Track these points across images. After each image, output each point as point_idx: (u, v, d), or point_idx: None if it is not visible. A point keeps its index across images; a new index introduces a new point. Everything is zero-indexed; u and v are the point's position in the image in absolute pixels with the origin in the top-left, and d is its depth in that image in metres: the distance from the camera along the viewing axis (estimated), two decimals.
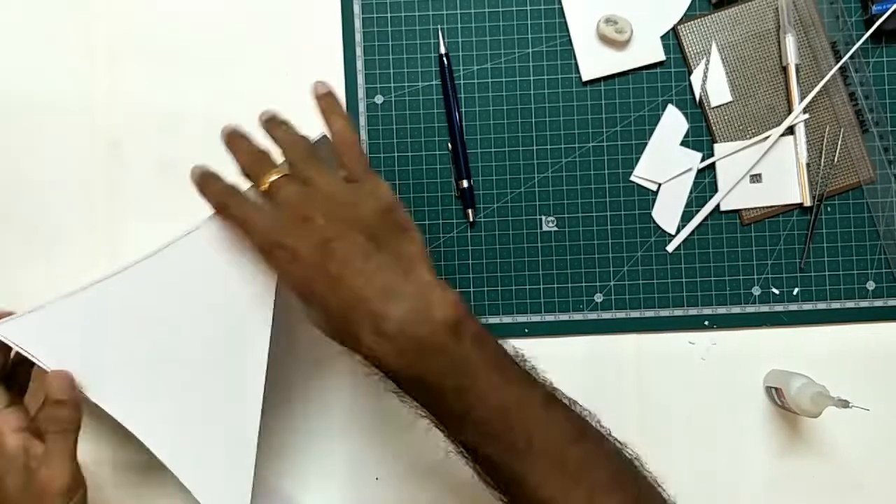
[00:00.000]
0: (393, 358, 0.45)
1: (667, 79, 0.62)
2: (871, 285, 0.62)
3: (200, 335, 0.53)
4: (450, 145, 0.62)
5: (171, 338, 0.53)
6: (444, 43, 0.62)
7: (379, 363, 0.46)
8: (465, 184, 0.62)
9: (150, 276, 0.53)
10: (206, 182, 0.51)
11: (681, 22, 0.62)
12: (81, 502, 0.52)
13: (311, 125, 0.63)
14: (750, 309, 0.62)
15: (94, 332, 0.54)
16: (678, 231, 0.62)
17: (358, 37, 0.63)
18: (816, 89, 0.61)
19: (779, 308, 0.62)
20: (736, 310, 0.62)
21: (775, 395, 0.60)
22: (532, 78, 0.63)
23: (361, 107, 0.63)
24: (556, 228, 0.63)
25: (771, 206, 0.62)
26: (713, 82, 0.62)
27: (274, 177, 0.49)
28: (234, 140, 0.52)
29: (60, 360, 0.53)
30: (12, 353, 0.55)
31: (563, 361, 0.60)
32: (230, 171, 0.63)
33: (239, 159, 0.51)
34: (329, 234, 0.47)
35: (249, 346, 0.52)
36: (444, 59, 0.62)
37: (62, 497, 0.51)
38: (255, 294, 0.52)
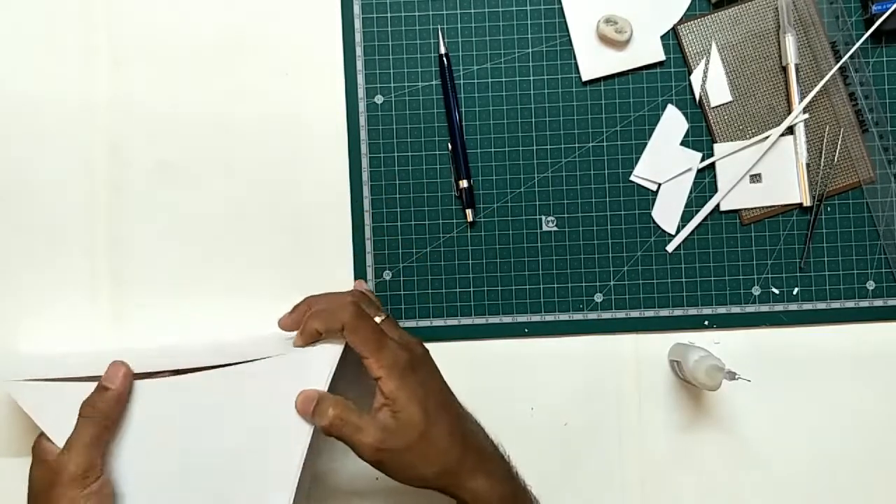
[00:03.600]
0: None
1: (667, 79, 0.62)
2: (871, 285, 0.62)
3: (231, 453, 0.53)
4: (450, 145, 0.62)
5: (202, 447, 0.54)
6: (444, 43, 0.62)
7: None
8: (464, 184, 0.62)
9: (212, 386, 0.54)
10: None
11: (681, 22, 0.62)
12: (100, 495, 0.51)
13: (311, 124, 0.63)
14: (750, 309, 0.62)
15: (134, 423, 0.54)
16: (678, 231, 0.62)
17: (358, 37, 0.63)
18: (816, 89, 0.61)
19: (779, 308, 0.62)
20: (736, 310, 0.62)
21: (677, 368, 0.60)
22: (532, 78, 0.63)
23: (361, 107, 0.63)
24: (556, 228, 0.63)
25: (771, 206, 0.62)
26: (713, 82, 0.62)
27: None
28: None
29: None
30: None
31: (563, 361, 0.60)
32: (228, 172, 0.63)
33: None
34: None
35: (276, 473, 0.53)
36: (444, 59, 0.62)
37: (73, 483, 0.50)
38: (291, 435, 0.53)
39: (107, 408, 0.53)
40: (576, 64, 0.62)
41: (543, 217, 0.63)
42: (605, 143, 0.62)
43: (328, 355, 0.53)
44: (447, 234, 0.63)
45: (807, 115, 0.62)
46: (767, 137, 0.62)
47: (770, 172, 0.62)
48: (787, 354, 0.62)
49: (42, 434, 0.53)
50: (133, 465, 0.53)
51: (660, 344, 0.62)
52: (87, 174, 0.63)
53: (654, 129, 0.62)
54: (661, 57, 0.62)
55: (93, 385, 0.54)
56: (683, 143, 0.63)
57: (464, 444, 0.53)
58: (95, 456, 0.52)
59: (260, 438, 0.53)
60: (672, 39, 0.62)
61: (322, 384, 0.52)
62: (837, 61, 0.62)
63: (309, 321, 0.53)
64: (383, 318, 0.54)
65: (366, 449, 0.51)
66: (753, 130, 0.62)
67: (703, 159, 0.62)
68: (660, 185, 0.62)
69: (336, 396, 0.52)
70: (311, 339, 0.53)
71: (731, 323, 0.62)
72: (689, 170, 0.62)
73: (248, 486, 0.53)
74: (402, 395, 0.51)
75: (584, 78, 0.62)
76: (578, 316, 0.62)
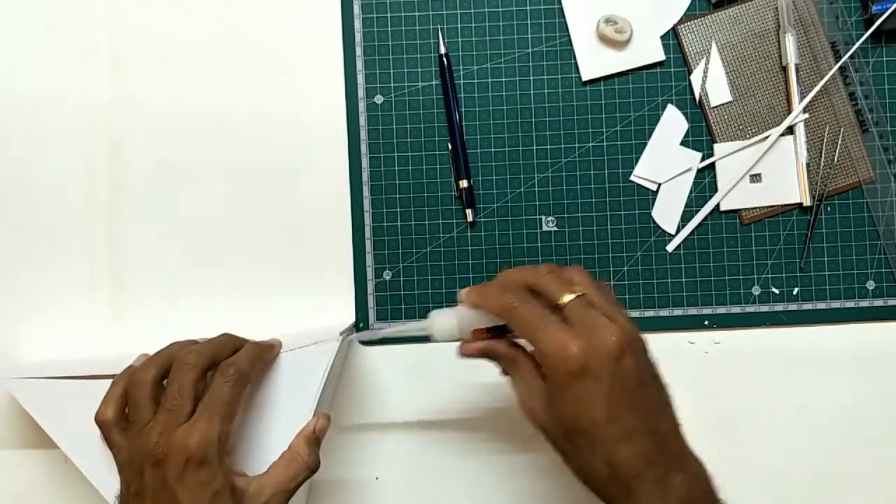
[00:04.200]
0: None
1: (667, 79, 0.63)
2: (871, 285, 0.62)
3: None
4: (450, 145, 0.62)
5: None
6: (444, 43, 0.62)
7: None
8: (464, 184, 0.62)
9: None
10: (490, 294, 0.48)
11: (681, 22, 0.62)
12: (227, 470, 0.46)
13: (311, 124, 0.63)
14: (750, 309, 0.62)
15: None
16: (678, 231, 0.62)
17: (358, 37, 0.63)
18: (816, 89, 0.61)
19: (779, 308, 0.62)
20: (736, 310, 0.62)
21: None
22: (532, 78, 0.63)
23: (361, 107, 0.63)
24: (556, 228, 0.63)
25: (771, 206, 0.62)
26: (713, 82, 0.62)
27: (570, 296, 0.47)
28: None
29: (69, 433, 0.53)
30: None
31: None
32: (228, 172, 0.63)
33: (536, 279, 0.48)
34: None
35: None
36: (444, 59, 0.62)
37: (200, 459, 0.45)
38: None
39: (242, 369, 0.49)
40: (576, 64, 0.62)
41: (543, 217, 0.63)
42: (605, 143, 0.62)
43: (323, 354, 0.53)
44: (447, 234, 0.63)
45: (807, 115, 0.62)
46: (767, 137, 0.62)
47: (770, 172, 0.62)
48: (787, 354, 0.62)
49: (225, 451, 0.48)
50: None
51: (660, 344, 0.62)
52: (87, 174, 0.63)
53: (654, 129, 0.62)
54: (661, 57, 0.62)
55: (93, 384, 0.53)
56: (683, 143, 0.63)
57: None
58: (227, 429, 0.48)
59: (254, 432, 0.53)
60: (672, 39, 0.62)
61: (318, 382, 0.52)
62: (837, 61, 0.62)
63: (475, 296, 0.49)
64: (573, 297, 0.46)
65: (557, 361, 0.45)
66: (753, 130, 0.62)
67: (703, 159, 0.62)
68: (660, 185, 0.62)
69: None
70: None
71: (731, 323, 0.62)
72: (689, 170, 0.62)
73: None
74: (551, 412, 0.46)
75: (584, 78, 0.62)
76: None
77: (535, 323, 0.46)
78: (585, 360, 0.44)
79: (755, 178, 0.62)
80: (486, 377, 0.62)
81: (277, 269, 0.62)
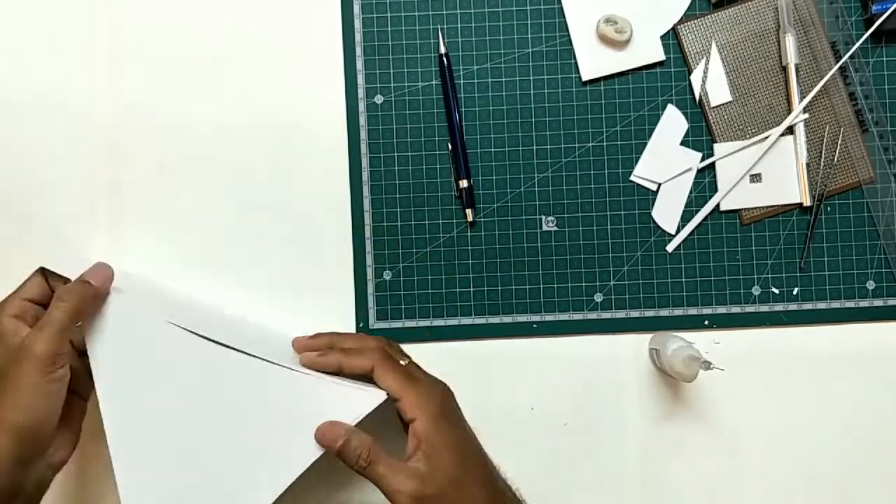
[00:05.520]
0: None
1: (667, 79, 0.63)
2: (871, 285, 0.62)
3: (239, 441, 0.53)
4: (450, 145, 0.62)
5: (219, 423, 0.53)
6: (444, 43, 0.62)
7: None
8: (464, 184, 0.62)
9: (255, 375, 0.54)
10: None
11: (681, 22, 0.62)
12: (62, 384, 0.50)
13: (311, 124, 0.63)
14: (750, 309, 0.62)
15: (163, 366, 0.54)
16: (678, 231, 0.62)
17: (358, 37, 0.63)
18: (816, 89, 0.61)
19: (779, 308, 0.62)
20: (736, 310, 0.62)
21: (656, 357, 0.60)
22: (532, 78, 0.63)
23: (361, 107, 0.63)
24: (556, 228, 0.63)
25: (771, 206, 0.62)
26: (713, 82, 0.62)
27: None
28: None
29: (104, 354, 0.53)
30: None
31: (563, 361, 0.60)
32: (228, 172, 0.63)
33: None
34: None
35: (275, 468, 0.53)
36: (444, 59, 0.62)
37: (40, 363, 0.49)
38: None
39: (82, 296, 0.52)
40: (576, 64, 0.62)
41: (543, 217, 0.63)
42: (605, 143, 0.62)
43: (368, 399, 0.53)
44: (447, 234, 0.63)
45: (807, 115, 0.62)
46: (767, 137, 0.62)
47: (770, 172, 0.62)
48: (787, 354, 0.62)
49: (5, 310, 0.52)
50: (150, 408, 0.53)
51: None
52: (87, 175, 0.63)
53: (654, 129, 0.62)
54: (661, 57, 0.62)
55: None
56: (683, 143, 0.63)
57: (493, 494, 0.52)
58: (65, 343, 0.50)
59: (269, 441, 0.53)
60: (672, 39, 0.62)
61: (350, 422, 0.53)
62: (837, 61, 0.62)
63: (334, 355, 0.54)
64: (407, 361, 0.55)
65: (401, 497, 0.50)
66: (753, 130, 0.62)
67: (703, 159, 0.62)
68: (660, 185, 0.62)
69: (366, 436, 0.52)
70: (325, 368, 0.54)
71: (731, 323, 0.62)
72: (689, 170, 0.62)
73: (237, 477, 0.53)
74: (438, 439, 0.51)
75: (584, 78, 0.62)
76: (578, 316, 0.62)
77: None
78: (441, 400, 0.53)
79: (755, 178, 0.62)
80: (485, 379, 0.62)
81: (277, 269, 0.62)
